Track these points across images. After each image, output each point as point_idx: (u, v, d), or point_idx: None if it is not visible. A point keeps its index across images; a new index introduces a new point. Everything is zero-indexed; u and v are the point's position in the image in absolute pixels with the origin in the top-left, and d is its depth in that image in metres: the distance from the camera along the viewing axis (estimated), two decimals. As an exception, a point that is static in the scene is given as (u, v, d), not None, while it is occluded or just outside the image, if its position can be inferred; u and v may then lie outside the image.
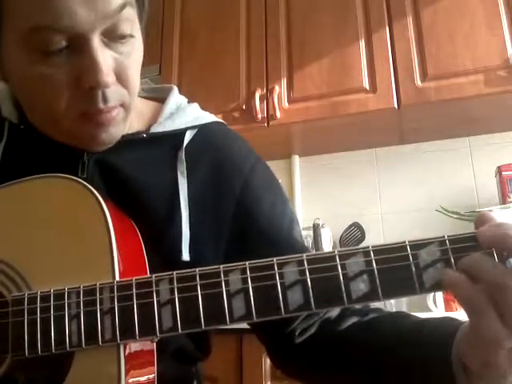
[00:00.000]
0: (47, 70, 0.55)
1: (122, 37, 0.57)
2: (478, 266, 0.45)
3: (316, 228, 1.92)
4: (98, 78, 0.54)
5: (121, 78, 0.58)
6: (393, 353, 0.57)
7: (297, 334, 0.67)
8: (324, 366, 0.66)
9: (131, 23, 0.58)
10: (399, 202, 2.01)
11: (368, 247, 0.47)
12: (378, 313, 0.66)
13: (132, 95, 0.61)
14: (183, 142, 0.70)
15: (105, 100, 0.57)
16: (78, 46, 0.55)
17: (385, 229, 2.01)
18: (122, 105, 0.60)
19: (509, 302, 0.43)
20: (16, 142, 0.67)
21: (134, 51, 0.60)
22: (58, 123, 0.60)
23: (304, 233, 1.99)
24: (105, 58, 0.55)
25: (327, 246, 1.93)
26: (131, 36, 0.58)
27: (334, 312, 0.67)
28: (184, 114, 0.72)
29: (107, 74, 0.55)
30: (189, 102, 0.77)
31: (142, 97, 0.77)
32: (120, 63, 0.58)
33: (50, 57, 0.55)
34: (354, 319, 0.66)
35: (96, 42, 0.55)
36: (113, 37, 0.56)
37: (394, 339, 0.59)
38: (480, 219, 0.47)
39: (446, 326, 0.54)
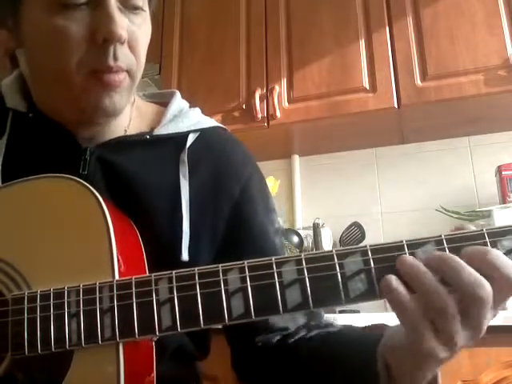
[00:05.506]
0: (65, 22, 0.59)
1: (135, 8, 0.62)
2: (410, 269, 0.44)
3: (316, 228, 1.92)
4: (113, 28, 0.58)
5: (131, 45, 0.62)
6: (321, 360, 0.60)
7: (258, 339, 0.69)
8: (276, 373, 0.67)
9: None
10: (399, 202, 2.01)
11: (365, 246, 0.47)
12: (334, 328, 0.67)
13: (139, 66, 0.64)
14: (186, 144, 0.71)
15: (115, 58, 0.60)
16: (97, 2, 0.59)
17: (385, 229, 2.01)
18: (129, 72, 0.63)
19: (438, 308, 0.43)
20: (19, 136, 0.68)
21: (144, 24, 0.64)
22: (67, 85, 0.61)
23: (304, 232, 1.99)
24: (120, 16, 0.60)
25: (327, 246, 1.94)
26: (142, 10, 0.63)
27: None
28: (187, 117, 0.74)
29: (122, 28, 0.59)
30: (190, 107, 0.78)
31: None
32: (132, 32, 0.61)
33: (69, 10, 0.59)
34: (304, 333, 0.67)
35: (113, 2, 0.59)
36: (127, 5, 0.61)
37: (330, 349, 0.61)
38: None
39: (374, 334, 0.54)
